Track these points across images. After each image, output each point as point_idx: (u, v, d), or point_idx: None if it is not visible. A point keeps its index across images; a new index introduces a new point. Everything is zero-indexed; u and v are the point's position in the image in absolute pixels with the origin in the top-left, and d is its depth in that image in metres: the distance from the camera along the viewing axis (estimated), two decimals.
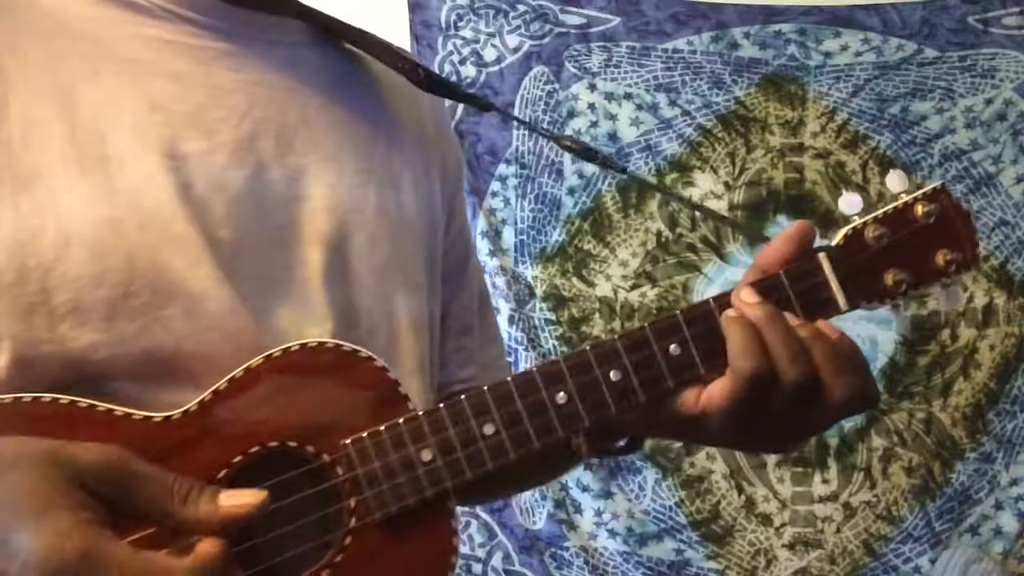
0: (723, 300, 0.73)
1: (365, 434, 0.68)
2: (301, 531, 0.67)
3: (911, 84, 2.24)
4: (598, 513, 2.18)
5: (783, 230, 0.74)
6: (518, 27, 2.23)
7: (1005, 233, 2.22)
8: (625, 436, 0.79)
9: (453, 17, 2.22)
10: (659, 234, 2.22)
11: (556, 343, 2.20)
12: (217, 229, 0.71)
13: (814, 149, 2.24)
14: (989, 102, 2.23)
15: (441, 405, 0.69)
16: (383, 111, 0.85)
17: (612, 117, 2.23)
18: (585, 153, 0.88)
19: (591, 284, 2.21)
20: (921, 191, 0.75)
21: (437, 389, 0.89)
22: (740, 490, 2.20)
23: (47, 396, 0.64)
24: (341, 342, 0.70)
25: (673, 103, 2.24)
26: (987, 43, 2.24)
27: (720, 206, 2.23)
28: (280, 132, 0.76)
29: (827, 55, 2.25)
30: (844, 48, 2.25)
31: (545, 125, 2.22)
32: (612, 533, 2.18)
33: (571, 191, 2.21)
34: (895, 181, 0.76)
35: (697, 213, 2.22)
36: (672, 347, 0.71)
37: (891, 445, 2.19)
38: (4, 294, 0.66)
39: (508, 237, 2.21)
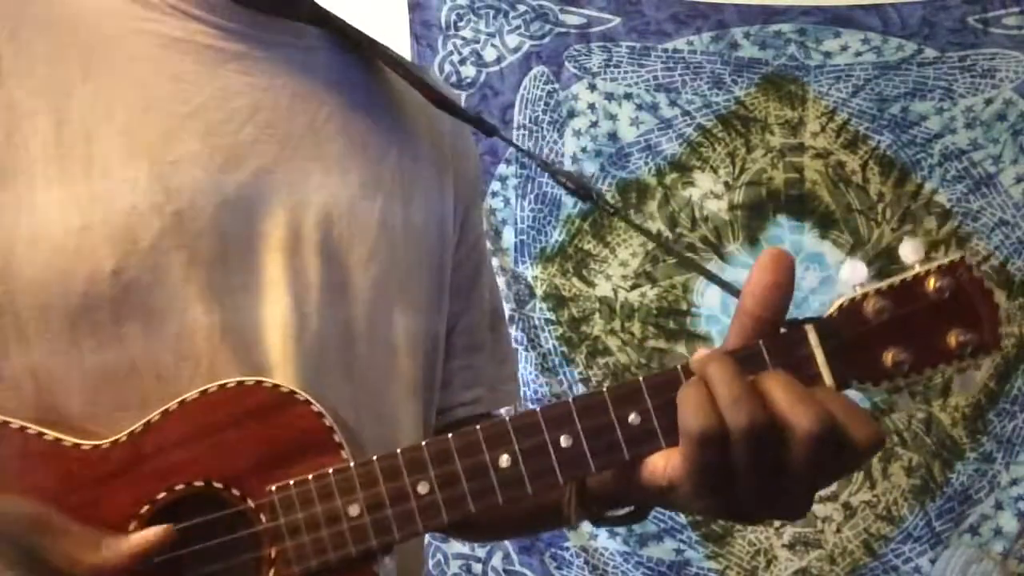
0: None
1: (292, 482, 0.64)
2: (219, 575, 0.65)
3: (911, 84, 2.24)
4: None
5: (783, 239, 0.67)
6: (518, 27, 2.23)
7: (1005, 233, 2.22)
8: (625, 505, 0.72)
9: (453, 17, 2.22)
10: (659, 234, 2.22)
11: (556, 343, 2.20)
12: (198, 238, 0.69)
13: (814, 149, 2.24)
14: (989, 102, 2.23)
15: (374, 458, 0.65)
16: (397, 122, 0.83)
17: (612, 117, 2.23)
18: (581, 191, 0.84)
19: (591, 284, 2.21)
20: (936, 263, 0.65)
21: (438, 411, 0.86)
22: None
23: None
24: (279, 383, 0.67)
25: (673, 103, 2.24)
26: (987, 43, 2.23)
27: (720, 206, 2.23)
28: (285, 138, 0.74)
29: (827, 55, 2.25)
30: (844, 48, 2.25)
31: (545, 125, 2.22)
32: (612, 533, 2.18)
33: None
34: (908, 251, 0.66)
35: (696, 213, 2.22)
36: (631, 416, 0.64)
37: (891, 445, 2.19)
38: None
39: (508, 237, 2.21)
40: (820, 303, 2.19)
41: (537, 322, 2.20)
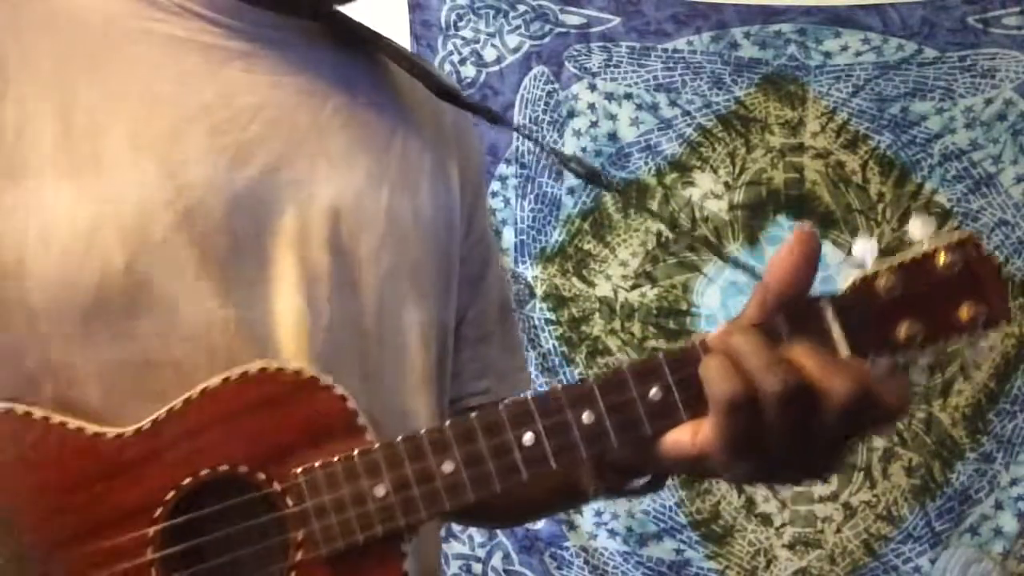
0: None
1: (317, 464, 0.65)
2: (246, 560, 0.65)
3: (911, 84, 2.24)
4: (598, 513, 2.18)
5: (783, 238, 0.68)
6: (518, 27, 2.23)
7: (1005, 233, 2.22)
8: (644, 475, 0.73)
9: (453, 17, 2.22)
10: (659, 234, 2.22)
11: (556, 343, 2.20)
12: (208, 235, 0.69)
13: (814, 149, 2.24)
14: (989, 102, 2.23)
15: (399, 438, 0.66)
16: (401, 114, 0.83)
17: (612, 117, 2.23)
18: (591, 175, 0.85)
19: (591, 284, 2.21)
20: (945, 240, 0.67)
21: (450, 401, 0.87)
22: (740, 490, 2.20)
23: (3, 405, 0.64)
24: (300, 367, 0.67)
25: (673, 103, 2.24)
26: (987, 43, 2.23)
27: (720, 206, 2.23)
28: (290, 134, 0.74)
29: (827, 55, 2.25)
30: (844, 48, 2.25)
31: (545, 125, 2.22)
32: (612, 533, 2.18)
33: (571, 191, 2.21)
34: (917, 227, 0.67)
35: (696, 213, 2.22)
36: (653, 391, 0.65)
37: (891, 445, 2.19)
38: None
39: (508, 237, 2.21)
40: None
41: (537, 322, 2.20)
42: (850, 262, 0.68)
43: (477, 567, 2.18)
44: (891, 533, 2.20)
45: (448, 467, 0.65)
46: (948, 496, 2.19)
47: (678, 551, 2.19)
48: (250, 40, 0.75)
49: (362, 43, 0.83)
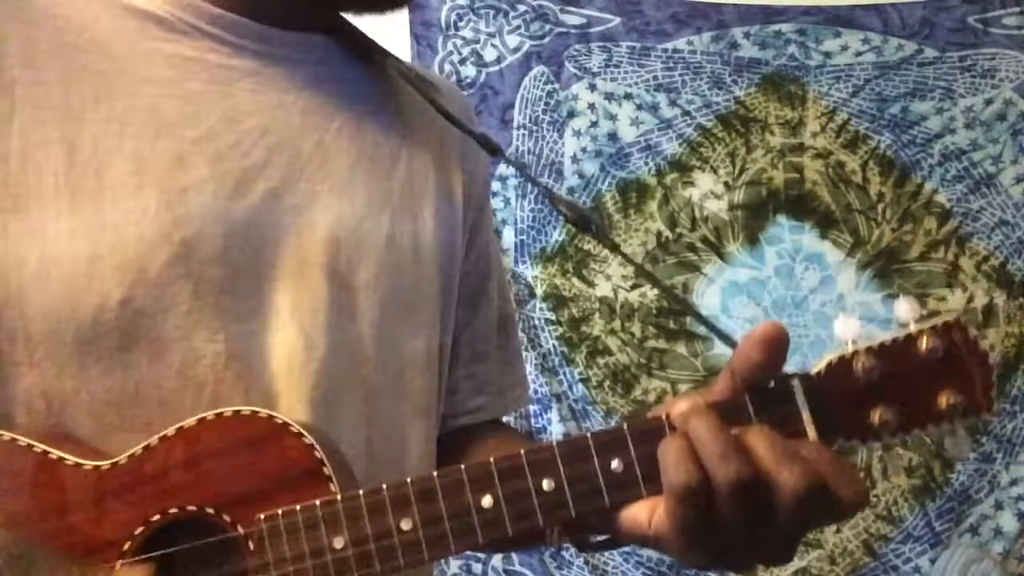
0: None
1: (280, 511, 0.65)
2: None
3: (911, 84, 2.24)
4: None
5: (752, 330, 0.62)
6: (518, 27, 2.23)
7: (1005, 233, 2.22)
8: (604, 534, 0.72)
9: (453, 17, 2.22)
10: (659, 234, 2.22)
11: (556, 343, 2.20)
12: (205, 267, 0.69)
13: (814, 149, 2.24)
14: (989, 102, 2.23)
15: (360, 492, 0.66)
16: (407, 130, 0.83)
17: (612, 117, 2.23)
18: (580, 221, 0.83)
19: (591, 284, 2.21)
20: (931, 323, 0.64)
21: (442, 419, 0.87)
22: None
23: None
24: (273, 412, 0.67)
25: (673, 103, 2.24)
26: (987, 43, 2.24)
27: (720, 206, 2.23)
28: (293, 159, 0.74)
29: (827, 55, 2.25)
30: (844, 48, 2.25)
31: (545, 125, 2.22)
32: None
33: (571, 191, 2.21)
34: (903, 309, 0.65)
35: (696, 213, 2.22)
36: (614, 464, 0.64)
37: (891, 445, 2.19)
38: None
39: (508, 237, 2.21)
40: (820, 303, 2.19)
41: (537, 322, 2.20)
42: (833, 339, 0.65)
43: (477, 567, 2.18)
44: (891, 533, 2.20)
45: (406, 525, 0.65)
46: (948, 496, 2.20)
47: None
48: (256, 58, 0.75)
49: (369, 58, 0.83)
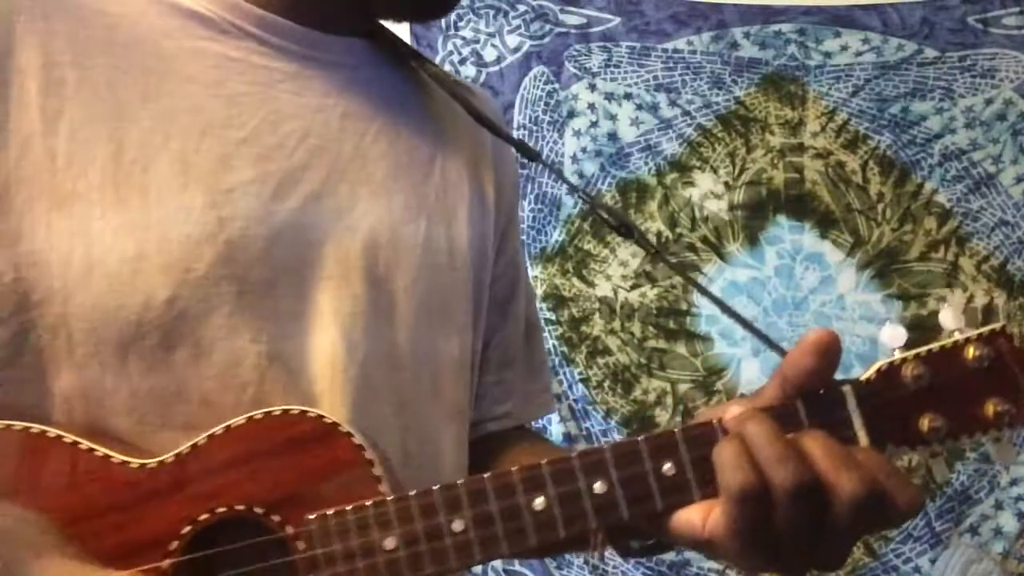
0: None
1: (330, 512, 0.65)
2: None
3: (911, 84, 2.24)
4: None
5: (803, 336, 0.63)
6: (518, 27, 2.23)
7: (1005, 233, 2.22)
8: (649, 539, 0.72)
9: (453, 17, 2.22)
10: (659, 234, 2.22)
11: (556, 343, 2.20)
12: (250, 268, 0.70)
13: (814, 149, 2.24)
14: (989, 102, 2.23)
15: (412, 493, 0.65)
16: (441, 136, 0.83)
17: (612, 117, 2.23)
18: (622, 227, 0.83)
19: (591, 284, 2.21)
20: (977, 332, 0.65)
21: (471, 425, 0.87)
22: None
23: (36, 427, 0.65)
24: (323, 413, 0.67)
25: (673, 103, 2.24)
26: (987, 43, 2.24)
27: (720, 206, 2.23)
28: (334, 162, 0.75)
29: (827, 55, 2.25)
30: (844, 48, 2.25)
31: (545, 125, 2.22)
32: None
33: (571, 191, 2.21)
34: (948, 318, 0.66)
35: (696, 213, 2.22)
36: (667, 467, 0.65)
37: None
38: (33, 308, 0.66)
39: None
40: (820, 303, 2.19)
41: None
42: (880, 346, 0.66)
43: (477, 567, 2.18)
44: (891, 533, 2.20)
45: (458, 526, 0.65)
46: (948, 496, 2.19)
47: (678, 551, 2.19)
48: (298, 61, 0.76)
49: (405, 62, 0.83)
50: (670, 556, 2.18)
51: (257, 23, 0.75)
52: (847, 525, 0.61)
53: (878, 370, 0.65)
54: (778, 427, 0.61)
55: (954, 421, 0.65)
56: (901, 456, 0.68)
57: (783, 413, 0.64)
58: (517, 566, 2.19)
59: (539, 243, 2.21)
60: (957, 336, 0.66)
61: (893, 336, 0.66)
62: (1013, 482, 2.20)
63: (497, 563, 2.18)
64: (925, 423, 0.65)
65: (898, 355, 0.66)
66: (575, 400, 2.19)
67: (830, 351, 0.63)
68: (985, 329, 0.65)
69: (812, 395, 0.65)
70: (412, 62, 0.84)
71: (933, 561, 2.18)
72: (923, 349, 0.65)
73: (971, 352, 0.65)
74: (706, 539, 0.64)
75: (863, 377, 0.66)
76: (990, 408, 0.65)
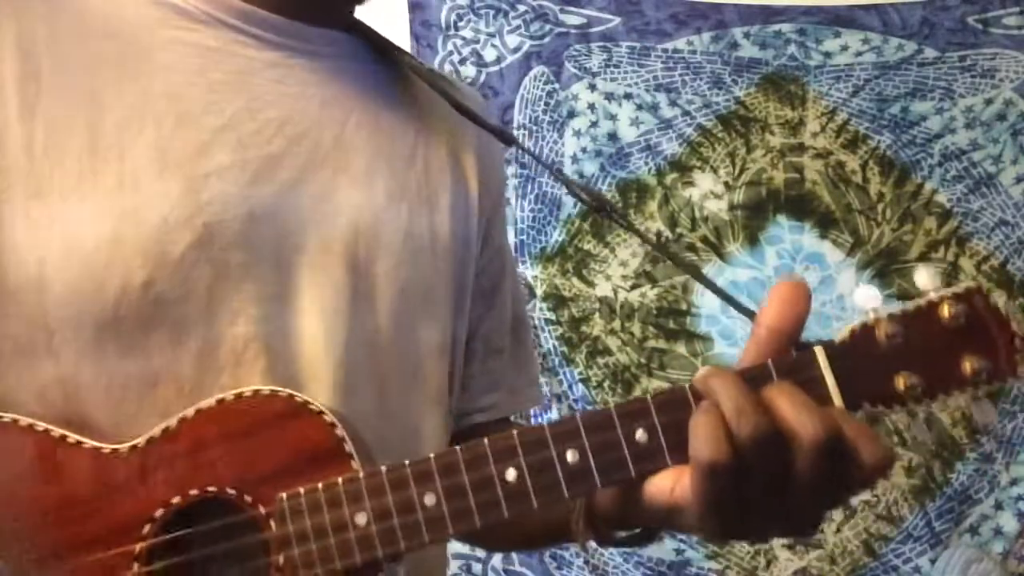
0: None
1: (302, 490, 0.65)
2: None
3: (911, 84, 2.24)
4: None
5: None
6: (518, 27, 2.23)
7: (1005, 233, 2.22)
8: (632, 528, 0.71)
9: (453, 17, 2.22)
10: (659, 234, 2.22)
11: (556, 343, 2.20)
12: (227, 252, 0.70)
13: (814, 149, 2.24)
14: (989, 102, 2.23)
15: (383, 468, 0.65)
16: (423, 129, 0.84)
17: (612, 117, 2.23)
18: (597, 204, 0.84)
19: (591, 284, 2.21)
20: (951, 290, 0.64)
21: (457, 415, 0.87)
22: None
23: (7, 416, 0.65)
24: (294, 392, 0.67)
25: (673, 103, 2.24)
26: (987, 43, 2.24)
27: (720, 206, 2.23)
28: (313, 149, 0.75)
29: (827, 55, 2.25)
30: (844, 48, 2.25)
31: (545, 125, 2.22)
32: None
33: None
34: (923, 278, 0.65)
35: (696, 213, 2.22)
36: (638, 433, 0.64)
37: (891, 445, 2.19)
38: (10, 300, 0.66)
39: (509, 237, 2.21)
40: (820, 303, 2.19)
41: (537, 322, 2.20)
42: (854, 309, 0.65)
43: (477, 567, 2.18)
44: (891, 533, 2.20)
45: (430, 499, 0.64)
46: (948, 496, 2.20)
47: (678, 551, 2.19)
48: (278, 50, 0.76)
49: (386, 56, 0.84)
50: (670, 556, 2.19)
51: (236, 14, 0.75)
52: (811, 476, 0.60)
53: (852, 331, 0.65)
54: (741, 380, 0.61)
55: (931, 379, 0.64)
56: (898, 452, 0.67)
57: (755, 374, 0.63)
58: (517, 566, 2.19)
59: (539, 243, 2.22)
60: (932, 295, 0.64)
61: (867, 297, 0.65)
62: (1013, 482, 2.20)
63: (497, 563, 2.18)
64: (901, 382, 0.64)
65: (872, 316, 0.65)
66: (575, 400, 2.19)
67: (798, 295, 0.63)
68: (960, 287, 0.64)
69: (784, 357, 0.64)
70: (393, 55, 0.84)
71: (933, 561, 2.18)
72: (897, 309, 0.64)
73: (946, 310, 0.64)
74: (673, 505, 0.63)
75: (837, 339, 0.65)
76: (967, 365, 0.64)
